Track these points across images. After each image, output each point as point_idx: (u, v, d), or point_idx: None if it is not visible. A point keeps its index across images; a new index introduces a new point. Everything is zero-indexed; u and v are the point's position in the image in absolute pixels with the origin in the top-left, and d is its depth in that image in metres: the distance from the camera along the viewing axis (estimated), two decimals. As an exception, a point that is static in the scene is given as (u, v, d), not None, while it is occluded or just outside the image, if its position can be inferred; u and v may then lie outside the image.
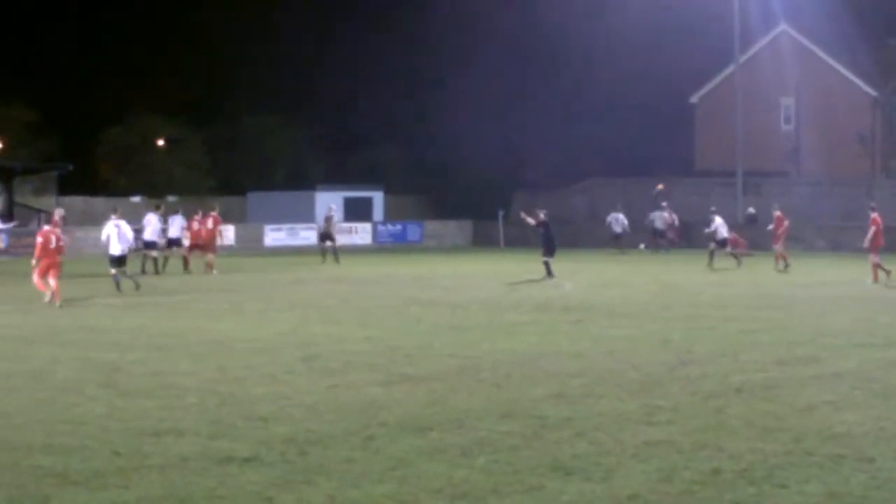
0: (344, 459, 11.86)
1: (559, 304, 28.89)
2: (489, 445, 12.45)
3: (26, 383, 16.71)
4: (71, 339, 21.98)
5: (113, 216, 34.92)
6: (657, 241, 59.42)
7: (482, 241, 69.97)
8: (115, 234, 33.77)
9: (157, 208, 45.72)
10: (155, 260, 42.12)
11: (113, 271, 33.22)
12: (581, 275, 39.95)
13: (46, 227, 30.65)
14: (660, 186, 53.82)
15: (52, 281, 29.26)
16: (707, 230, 45.50)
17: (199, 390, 15.94)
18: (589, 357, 19.18)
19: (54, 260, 29.57)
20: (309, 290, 34.32)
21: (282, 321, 25.13)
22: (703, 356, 19.17)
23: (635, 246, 59.64)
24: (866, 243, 35.81)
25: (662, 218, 59.94)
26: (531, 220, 38.87)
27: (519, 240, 62.52)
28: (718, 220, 45.15)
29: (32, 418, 14.08)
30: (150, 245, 42.79)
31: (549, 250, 37.90)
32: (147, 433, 13.10)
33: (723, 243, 45.04)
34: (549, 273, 37.20)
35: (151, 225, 43.07)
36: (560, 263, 38.82)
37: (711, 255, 44.08)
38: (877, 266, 35.38)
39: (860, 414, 14.14)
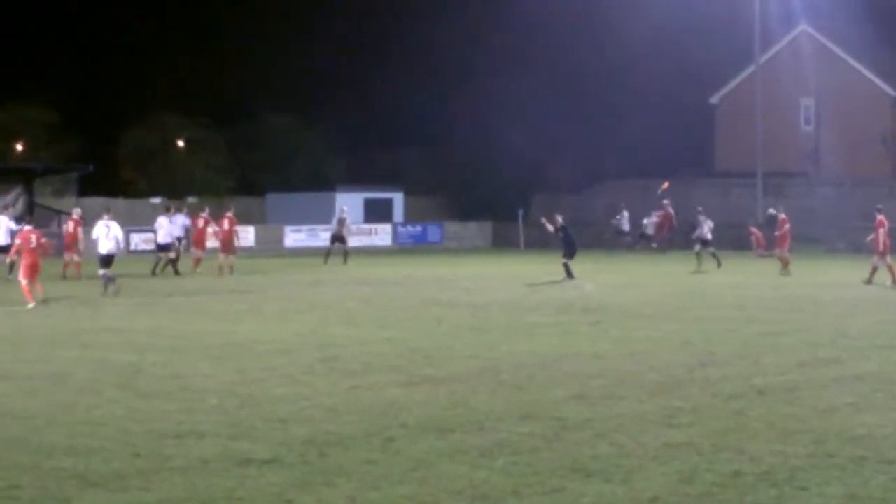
0: (364, 461, 11.85)
1: (579, 306, 28.84)
2: (509, 447, 12.43)
3: (47, 385, 16.74)
4: (90, 341, 22.00)
5: (105, 216, 35.03)
6: (642, 241, 59.76)
7: (502, 243, 69.84)
8: (104, 234, 33.83)
9: (167, 210, 45.89)
10: (171, 261, 42.18)
11: (101, 272, 33.11)
12: (601, 276, 39.87)
13: (27, 228, 30.67)
14: (665, 186, 53.73)
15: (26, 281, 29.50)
16: (707, 236, 45.19)
17: (219, 392, 15.96)
18: (609, 358, 19.15)
19: (36, 260, 29.76)
20: (329, 292, 34.33)
21: (301, 322, 25.14)
22: (724, 358, 19.13)
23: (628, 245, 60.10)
24: (881, 246, 35.47)
25: (653, 224, 60.17)
26: (550, 227, 38.99)
27: (539, 241, 62.27)
28: (706, 221, 44.99)
29: (53, 420, 14.11)
30: (163, 248, 42.85)
31: (570, 252, 37.89)
32: (167, 435, 13.11)
33: (704, 243, 44.77)
34: (569, 275, 37.16)
35: (163, 228, 43.11)
36: (580, 265, 38.75)
37: (714, 256, 43.84)
38: (890, 266, 35.14)
39: (881, 416, 14.09)
